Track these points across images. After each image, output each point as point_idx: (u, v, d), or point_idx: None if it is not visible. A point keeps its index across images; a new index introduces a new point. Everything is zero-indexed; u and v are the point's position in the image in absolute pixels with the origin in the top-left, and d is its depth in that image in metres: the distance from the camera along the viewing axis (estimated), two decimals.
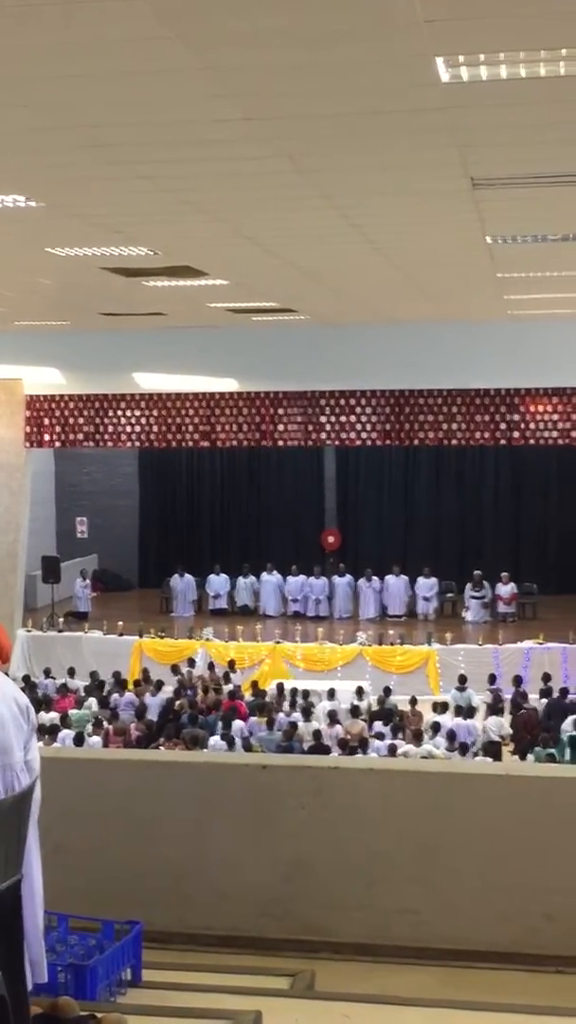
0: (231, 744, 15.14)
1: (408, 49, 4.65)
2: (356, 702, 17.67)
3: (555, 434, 20.74)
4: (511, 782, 5.58)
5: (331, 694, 18.00)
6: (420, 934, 5.27)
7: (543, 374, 20.17)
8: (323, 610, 24.71)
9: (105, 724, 16.41)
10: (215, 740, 15.44)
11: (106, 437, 21.90)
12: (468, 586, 24.40)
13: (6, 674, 3.97)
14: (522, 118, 5.90)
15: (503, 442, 21.26)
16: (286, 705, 17.76)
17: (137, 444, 22.49)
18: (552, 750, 15.09)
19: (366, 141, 6.40)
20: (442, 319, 18.98)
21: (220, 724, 16.19)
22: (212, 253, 10.95)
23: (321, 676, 20.17)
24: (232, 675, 19.51)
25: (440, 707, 17.39)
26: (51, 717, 16.73)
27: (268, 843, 5.54)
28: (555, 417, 20.66)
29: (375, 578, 24.57)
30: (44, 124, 5.77)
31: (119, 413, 21.79)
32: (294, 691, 18.29)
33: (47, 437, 22.01)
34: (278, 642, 21.50)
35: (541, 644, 20.57)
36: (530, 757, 15.11)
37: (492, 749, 16.07)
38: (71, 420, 21.88)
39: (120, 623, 22.01)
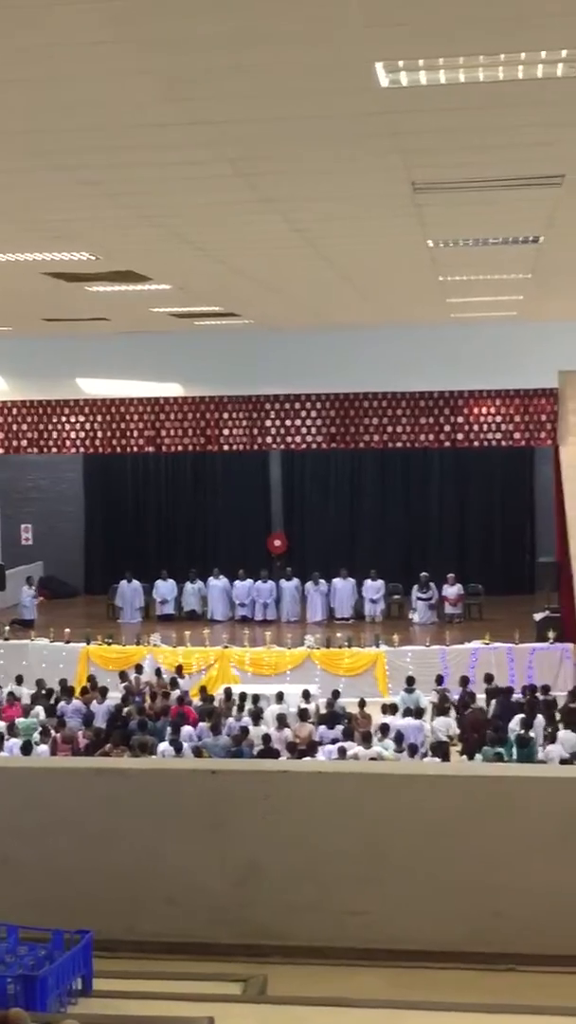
0: (179, 750, 15.09)
1: (348, 54, 4.67)
2: (304, 705, 17.69)
3: (498, 435, 20.94)
4: (459, 782, 5.62)
5: (279, 698, 18.00)
6: (371, 935, 5.28)
7: (486, 376, 20.35)
8: (271, 614, 24.71)
9: (53, 732, 16.28)
10: (164, 746, 15.39)
11: (50, 443, 21.76)
12: (415, 588, 24.50)
13: None
14: (462, 123, 5.95)
15: (447, 444, 21.43)
16: (235, 710, 17.74)
17: (82, 450, 22.39)
18: (500, 749, 15.21)
19: (308, 145, 6.41)
20: (386, 323, 19.08)
21: (169, 730, 16.13)
22: (155, 258, 10.92)
23: (270, 680, 20.17)
24: (180, 680, 19.44)
25: (389, 709, 17.46)
26: None
27: (218, 848, 5.52)
28: (498, 419, 20.88)
29: (322, 581, 24.61)
30: None
31: (63, 419, 21.67)
32: (243, 695, 18.26)
33: None
34: (226, 647, 21.46)
35: (488, 644, 20.72)
36: (478, 757, 15.21)
37: (440, 749, 16.16)
38: (14, 426, 21.72)
39: (67, 630, 21.84)
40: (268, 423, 21.32)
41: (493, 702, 17.97)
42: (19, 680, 19.64)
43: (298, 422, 21.17)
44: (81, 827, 5.78)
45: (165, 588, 25.24)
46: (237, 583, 24.94)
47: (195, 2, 4.02)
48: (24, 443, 21.73)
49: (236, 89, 5.16)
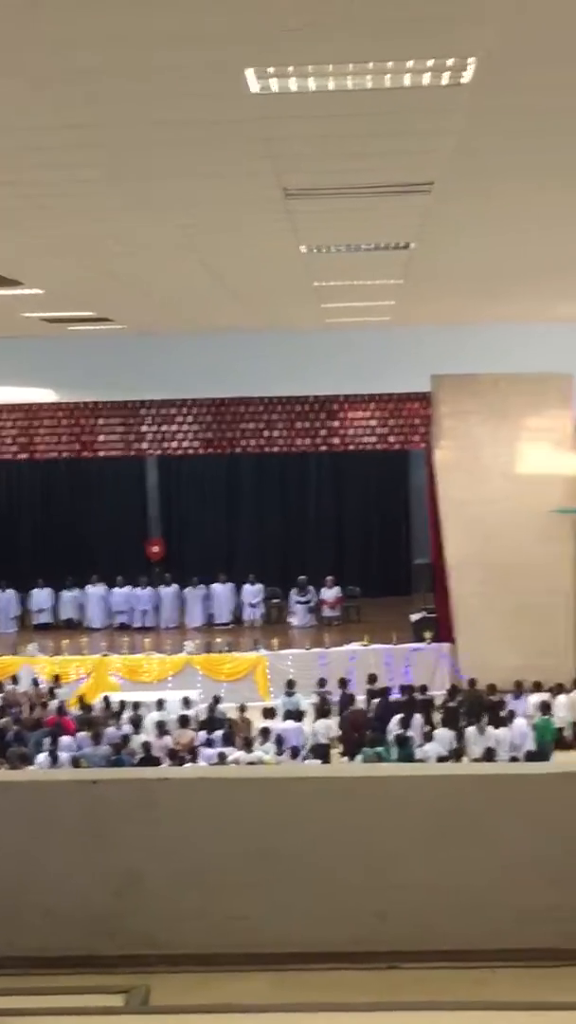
0: (55, 760, 14.87)
1: (219, 59, 4.67)
2: (184, 712, 17.62)
3: (373, 439, 21.21)
4: (339, 783, 5.65)
5: (160, 705, 17.89)
6: (255, 939, 5.27)
7: (360, 381, 20.59)
8: (150, 620, 24.51)
9: None
10: (42, 757, 15.15)
11: None
12: (293, 591, 24.61)
13: None
14: (332, 130, 6.01)
15: (323, 448, 21.63)
16: (115, 718, 17.56)
17: None
18: (380, 749, 15.38)
19: (180, 149, 6.40)
20: (262, 328, 19.15)
21: (48, 740, 15.89)
22: (25, 262, 10.76)
23: (151, 687, 20.03)
24: (57, 690, 19.18)
25: (269, 713, 17.51)
26: None
27: (99, 859, 5.45)
28: (373, 423, 21.14)
29: (201, 586, 24.55)
30: None
31: None
32: (123, 703, 18.10)
33: None
34: (104, 655, 21.24)
35: (366, 646, 20.93)
36: (359, 757, 15.36)
37: (321, 751, 16.28)
38: None
39: None
40: (144, 428, 21.20)
41: (374, 702, 18.17)
42: None
43: (174, 427, 21.10)
44: None
45: (41, 596, 24.86)
46: (115, 590, 24.70)
47: (65, 1, 3.97)
48: None
49: (109, 91, 5.11)
